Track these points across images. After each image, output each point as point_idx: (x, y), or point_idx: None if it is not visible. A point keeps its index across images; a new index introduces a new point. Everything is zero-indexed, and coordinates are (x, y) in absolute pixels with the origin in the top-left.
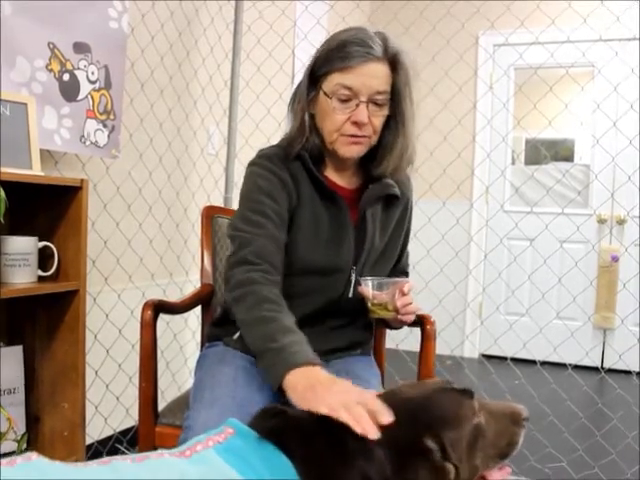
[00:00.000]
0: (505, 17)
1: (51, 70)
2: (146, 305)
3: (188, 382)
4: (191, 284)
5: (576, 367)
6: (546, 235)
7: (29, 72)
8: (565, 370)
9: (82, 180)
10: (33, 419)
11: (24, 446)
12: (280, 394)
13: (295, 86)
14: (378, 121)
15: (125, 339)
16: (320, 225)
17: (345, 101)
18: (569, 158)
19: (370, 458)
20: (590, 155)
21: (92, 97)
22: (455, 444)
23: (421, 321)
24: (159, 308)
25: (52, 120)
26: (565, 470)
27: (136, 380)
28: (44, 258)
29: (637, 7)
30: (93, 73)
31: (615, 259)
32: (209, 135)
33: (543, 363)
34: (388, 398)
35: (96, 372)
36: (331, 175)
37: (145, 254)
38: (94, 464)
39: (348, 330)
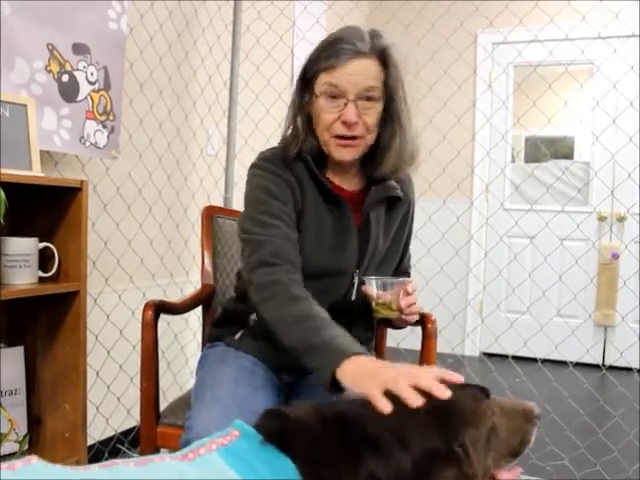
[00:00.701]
0: (504, 15)
1: (50, 71)
2: (147, 306)
3: (189, 382)
4: (192, 284)
5: (577, 365)
6: (546, 233)
7: (28, 73)
8: (566, 368)
9: (82, 181)
10: (34, 420)
11: (26, 447)
12: (333, 388)
13: (294, 86)
14: (370, 119)
15: (126, 340)
16: (324, 228)
17: (333, 99)
18: (569, 156)
19: (380, 461)
20: (590, 152)
21: (91, 98)
22: (475, 446)
23: (422, 319)
24: (160, 308)
25: (52, 121)
26: (567, 468)
27: (137, 380)
28: (44, 259)
29: (636, 4)
30: (92, 74)
31: (615, 256)
32: (208, 135)
33: (544, 361)
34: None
35: (97, 373)
36: (333, 177)
37: (145, 254)
38: (95, 467)
39: (350, 330)
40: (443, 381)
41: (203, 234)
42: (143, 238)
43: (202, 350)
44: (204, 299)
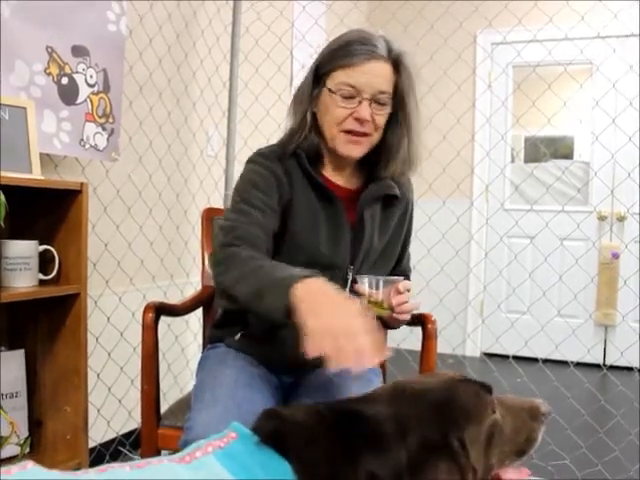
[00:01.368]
0: (503, 15)
1: (50, 74)
2: (147, 307)
3: (190, 384)
4: (192, 286)
5: (578, 364)
6: (546, 233)
7: (28, 76)
8: (567, 368)
9: (82, 183)
10: (35, 423)
11: (27, 450)
12: (287, 316)
13: (294, 87)
14: (380, 119)
15: (126, 342)
16: (317, 223)
17: (348, 98)
18: (568, 155)
19: (379, 457)
20: (589, 152)
21: (91, 100)
22: (474, 442)
23: (422, 320)
24: (160, 310)
25: (51, 124)
26: (568, 468)
27: (138, 382)
28: (45, 262)
29: (635, 4)
30: (92, 76)
31: (615, 256)
32: (208, 137)
33: (545, 361)
34: (406, 387)
35: (98, 375)
36: (329, 174)
37: (146, 256)
38: (92, 472)
39: None
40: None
41: (203, 235)
42: (143, 240)
43: (202, 351)
44: (204, 300)
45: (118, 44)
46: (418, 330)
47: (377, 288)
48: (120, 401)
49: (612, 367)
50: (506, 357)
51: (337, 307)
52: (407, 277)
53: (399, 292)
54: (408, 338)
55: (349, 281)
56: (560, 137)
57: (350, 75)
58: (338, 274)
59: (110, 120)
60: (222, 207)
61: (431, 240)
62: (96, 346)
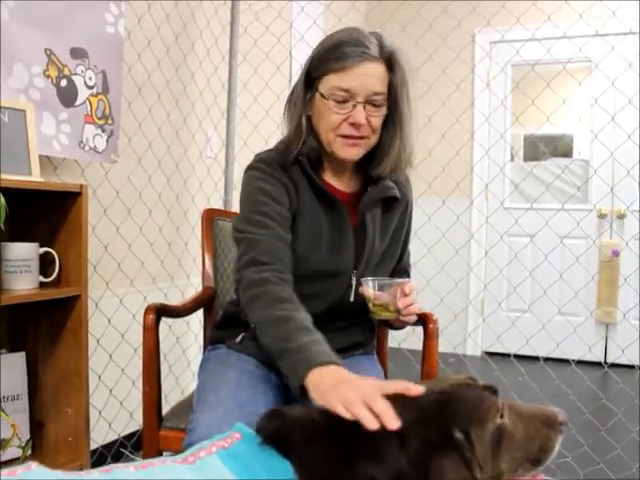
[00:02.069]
0: (501, 14)
1: (49, 76)
2: (148, 309)
3: (191, 385)
4: (192, 287)
5: (579, 362)
6: (546, 231)
7: (27, 78)
8: (568, 366)
9: (81, 185)
10: (37, 425)
11: (29, 452)
12: (302, 395)
13: (292, 88)
14: (376, 121)
15: (128, 343)
16: (320, 230)
17: (342, 102)
18: (568, 154)
19: (379, 457)
20: (589, 150)
21: (90, 102)
22: (479, 440)
23: (423, 319)
24: (161, 312)
25: (50, 126)
26: (570, 466)
27: (139, 384)
28: (45, 264)
29: (634, 2)
30: (90, 78)
31: (616, 254)
32: (207, 138)
33: (546, 359)
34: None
35: (99, 377)
36: (329, 179)
37: (146, 258)
38: (95, 472)
39: (349, 332)
40: (403, 396)
41: (203, 237)
42: (143, 241)
43: (204, 353)
44: (205, 302)
45: (117, 46)
46: (419, 330)
47: (382, 291)
48: (121, 403)
49: (613, 365)
50: (507, 356)
51: (352, 385)
52: (407, 273)
53: (405, 294)
54: (409, 338)
55: (354, 286)
56: (559, 135)
57: (343, 79)
58: (342, 280)
59: (109, 122)
60: (222, 208)
61: (431, 239)
62: (97, 348)
